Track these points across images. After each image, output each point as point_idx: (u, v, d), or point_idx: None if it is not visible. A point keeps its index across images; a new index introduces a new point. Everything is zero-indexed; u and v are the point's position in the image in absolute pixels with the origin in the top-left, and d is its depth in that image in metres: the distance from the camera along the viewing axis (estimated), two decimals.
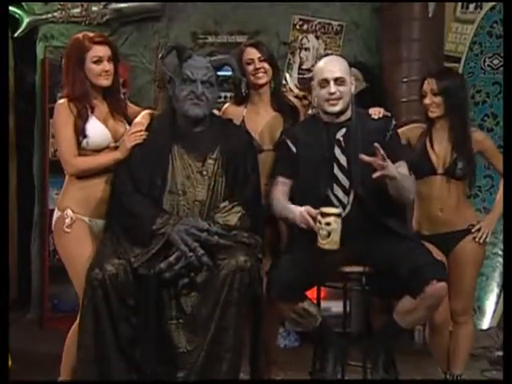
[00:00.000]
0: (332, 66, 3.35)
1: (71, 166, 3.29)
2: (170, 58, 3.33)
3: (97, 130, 3.28)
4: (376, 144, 3.12)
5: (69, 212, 3.29)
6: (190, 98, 3.23)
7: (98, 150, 3.30)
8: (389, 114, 3.46)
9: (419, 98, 3.65)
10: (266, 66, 3.56)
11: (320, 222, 3.08)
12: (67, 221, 3.28)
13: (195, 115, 3.25)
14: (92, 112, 3.30)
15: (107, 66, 3.30)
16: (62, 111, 3.29)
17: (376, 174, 3.11)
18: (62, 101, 3.32)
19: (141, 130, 3.29)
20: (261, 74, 3.55)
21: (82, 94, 3.29)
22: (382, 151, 3.09)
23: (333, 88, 3.31)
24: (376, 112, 3.43)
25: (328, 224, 3.07)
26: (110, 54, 3.31)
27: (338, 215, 3.10)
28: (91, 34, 3.35)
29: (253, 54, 3.56)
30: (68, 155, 3.28)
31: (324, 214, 3.09)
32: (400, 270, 3.10)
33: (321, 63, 3.41)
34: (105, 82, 3.31)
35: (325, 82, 3.33)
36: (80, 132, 3.25)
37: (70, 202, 3.32)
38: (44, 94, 5.30)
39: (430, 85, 3.58)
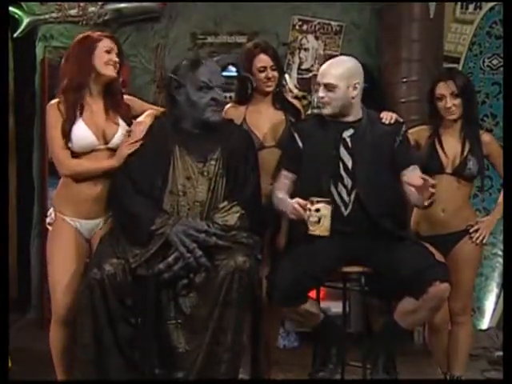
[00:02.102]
0: (326, 71, 3.34)
1: (65, 167, 3.27)
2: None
3: (81, 133, 3.24)
4: (425, 176, 3.14)
5: (50, 210, 3.38)
6: (210, 105, 3.24)
7: (84, 153, 3.28)
8: (401, 120, 3.43)
9: (432, 102, 3.62)
10: (276, 74, 3.57)
11: (310, 210, 3.10)
12: (48, 219, 3.39)
13: (217, 121, 3.27)
14: (81, 113, 3.27)
15: (115, 57, 3.31)
16: (52, 113, 3.28)
17: (429, 201, 3.14)
18: (52, 102, 3.32)
19: (138, 140, 3.26)
20: (271, 83, 3.56)
21: (80, 85, 3.26)
22: (430, 180, 3.10)
23: (321, 92, 3.33)
24: (388, 117, 3.40)
25: (318, 210, 3.09)
26: (117, 51, 3.34)
27: (328, 202, 3.11)
28: (99, 32, 3.40)
29: (266, 62, 3.55)
30: (61, 156, 3.27)
31: (314, 202, 3.10)
32: (401, 271, 3.10)
33: (323, 65, 3.41)
34: (111, 72, 3.29)
35: (318, 85, 3.36)
36: (66, 135, 3.24)
37: (55, 201, 3.38)
38: (44, 94, 5.30)
39: (449, 87, 3.54)
